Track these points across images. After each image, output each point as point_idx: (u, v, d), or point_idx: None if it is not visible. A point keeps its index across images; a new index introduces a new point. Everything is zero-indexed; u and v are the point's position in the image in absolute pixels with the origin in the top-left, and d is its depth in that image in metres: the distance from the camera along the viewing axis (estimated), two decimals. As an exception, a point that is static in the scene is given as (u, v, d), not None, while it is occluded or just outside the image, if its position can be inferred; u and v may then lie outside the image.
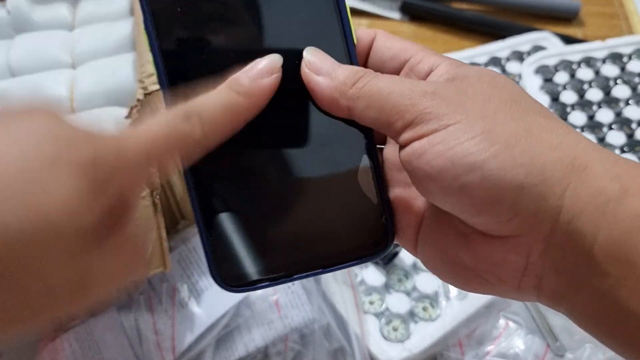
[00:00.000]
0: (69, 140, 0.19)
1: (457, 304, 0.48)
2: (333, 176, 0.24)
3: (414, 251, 0.25)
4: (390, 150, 0.26)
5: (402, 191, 0.25)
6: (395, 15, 0.75)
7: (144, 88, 0.39)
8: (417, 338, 0.47)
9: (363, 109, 0.22)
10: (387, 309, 0.49)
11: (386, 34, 0.25)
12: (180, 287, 0.46)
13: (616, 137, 0.58)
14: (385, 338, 0.47)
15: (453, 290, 0.49)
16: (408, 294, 0.49)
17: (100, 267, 0.20)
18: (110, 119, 0.41)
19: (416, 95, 0.21)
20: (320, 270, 0.24)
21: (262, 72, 0.23)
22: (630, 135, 0.58)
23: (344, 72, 0.23)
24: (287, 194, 0.24)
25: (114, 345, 0.44)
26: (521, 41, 0.68)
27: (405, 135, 0.21)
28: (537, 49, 0.67)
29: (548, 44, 0.67)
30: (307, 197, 0.24)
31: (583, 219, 0.20)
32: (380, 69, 0.24)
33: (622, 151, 0.57)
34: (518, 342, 0.46)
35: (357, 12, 0.75)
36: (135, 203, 0.22)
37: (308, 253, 0.24)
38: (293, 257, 0.24)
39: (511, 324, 0.47)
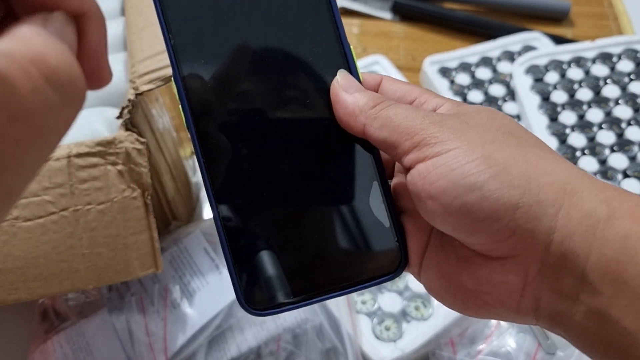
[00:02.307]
0: None
1: (449, 303, 0.48)
2: (347, 202, 0.26)
3: (418, 277, 0.27)
4: (396, 182, 0.28)
5: (407, 220, 0.27)
6: (387, 15, 0.75)
7: (135, 88, 0.39)
8: (410, 337, 0.47)
9: (377, 128, 0.24)
10: (379, 308, 0.49)
11: (392, 79, 0.28)
12: (172, 288, 0.46)
13: (606, 137, 0.59)
14: (378, 337, 0.47)
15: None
16: (400, 293, 0.49)
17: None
18: (101, 119, 0.41)
19: (426, 122, 0.24)
20: (339, 292, 0.26)
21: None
22: (620, 135, 0.59)
23: (368, 95, 0.25)
24: (305, 221, 0.26)
25: (106, 346, 0.44)
26: (512, 41, 0.68)
27: (411, 156, 0.23)
28: (528, 49, 0.67)
29: (538, 44, 0.68)
30: (323, 223, 0.26)
31: (575, 240, 0.21)
32: None
33: (612, 150, 0.58)
34: (509, 340, 0.46)
35: (348, 12, 0.75)
36: None
37: (327, 276, 0.26)
38: (314, 281, 0.26)
39: (503, 322, 0.47)
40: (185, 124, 0.25)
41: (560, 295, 0.22)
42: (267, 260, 0.26)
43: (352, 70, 0.27)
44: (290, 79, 0.26)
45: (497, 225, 0.22)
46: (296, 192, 0.26)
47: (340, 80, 0.26)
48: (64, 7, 0.17)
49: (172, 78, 0.25)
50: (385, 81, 0.28)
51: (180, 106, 0.25)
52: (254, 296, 0.25)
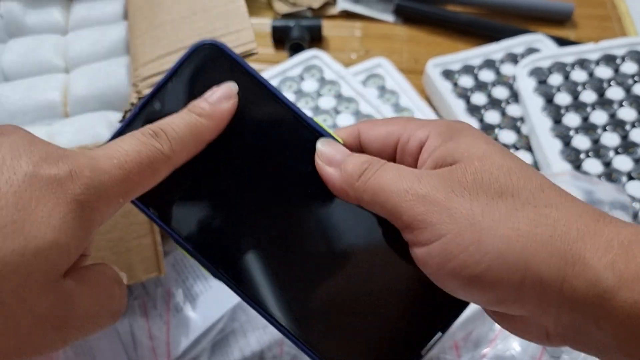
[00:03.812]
0: (45, 154, 0.20)
1: (453, 307, 0.48)
2: (391, 269, 0.27)
3: None
4: None
5: None
6: (389, 17, 0.75)
7: (138, 92, 0.39)
8: (413, 341, 0.47)
9: (368, 202, 0.24)
10: (383, 312, 0.49)
11: (367, 125, 0.27)
12: (175, 292, 0.46)
13: (610, 139, 0.58)
14: (382, 341, 0.47)
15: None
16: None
17: (81, 298, 0.21)
18: (103, 123, 0.41)
19: (411, 198, 0.23)
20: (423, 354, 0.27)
21: (220, 97, 0.25)
22: (624, 137, 0.59)
23: (351, 164, 0.25)
24: (376, 295, 0.27)
25: (109, 350, 0.44)
26: (515, 43, 0.68)
27: (406, 236, 0.23)
28: (531, 51, 0.67)
29: (542, 46, 0.68)
30: (386, 291, 0.27)
31: (583, 309, 0.21)
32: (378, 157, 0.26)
33: (617, 153, 0.58)
34: (514, 344, 0.46)
35: (350, 15, 0.75)
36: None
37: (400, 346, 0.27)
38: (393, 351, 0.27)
39: (507, 326, 0.47)
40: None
41: (584, 345, 0.22)
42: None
43: (326, 136, 0.27)
44: (273, 167, 0.27)
45: (505, 304, 0.22)
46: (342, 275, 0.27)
47: (322, 150, 0.26)
48: None
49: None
50: (363, 130, 0.27)
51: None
52: None
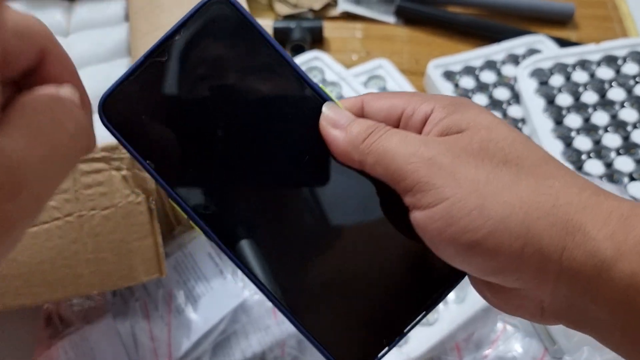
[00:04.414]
0: None
1: (455, 308, 0.48)
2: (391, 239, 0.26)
3: None
4: None
5: None
6: (390, 19, 0.75)
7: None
8: (415, 342, 0.47)
9: (372, 165, 0.24)
10: (384, 313, 0.49)
11: (373, 96, 0.26)
12: (177, 293, 0.46)
13: (612, 140, 0.58)
14: (383, 342, 0.47)
15: (450, 294, 0.49)
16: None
17: (8, 143, 0.18)
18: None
19: (416, 160, 0.23)
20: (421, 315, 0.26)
21: None
22: (625, 138, 0.58)
23: (357, 127, 0.25)
24: (370, 268, 0.26)
25: (110, 352, 0.44)
26: (516, 44, 0.68)
27: (407, 199, 0.23)
28: (532, 52, 0.67)
29: (543, 47, 0.68)
30: (380, 263, 0.26)
31: (581, 280, 0.21)
32: None
33: (618, 153, 0.58)
34: (516, 345, 0.46)
35: (351, 17, 0.75)
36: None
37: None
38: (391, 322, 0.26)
39: (509, 327, 0.47)
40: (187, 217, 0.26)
41: (578, 322, 0.22)
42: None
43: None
44: (275, 130, 0.26)
45: (503, 274, 0.22)
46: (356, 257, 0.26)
47: (327, 114, 0.26)
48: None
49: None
50: (367, 101, 0.26)
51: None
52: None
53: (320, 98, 0.26)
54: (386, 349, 0.26)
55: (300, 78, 0.26)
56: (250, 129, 0.26)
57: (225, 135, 0.26)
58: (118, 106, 0.25)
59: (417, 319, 0.26)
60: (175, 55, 0.25)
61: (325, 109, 0.26)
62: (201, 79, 0.26)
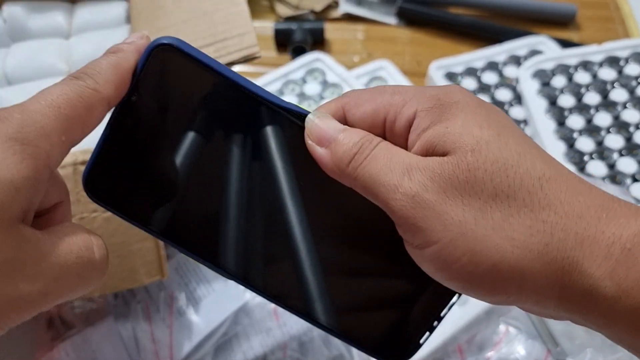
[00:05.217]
0: None
1: (457, 310, 0.48)
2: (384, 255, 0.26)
3: None
4: None
5: None
6: (392, 20, 0.75)
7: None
8: (417, 344, 0.47)
9: (361, 190, 0.23)
10: (386, 315, 0.48)
11: (351, 101, 0.25)
12: (178, 295, 0.46)
13: (614, 141, 0.58)
14: (385, 345, 0.47)
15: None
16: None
17: (49, 246, 0.21)
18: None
19: (400, 197, 0.22)
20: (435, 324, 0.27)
21: (135, 36, 0.25)
22: (628, 139, 0.58)
23: (342, 146, 0.23)
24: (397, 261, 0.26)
25: (112, 354, 0.44)
26: (518, 45, 0.68)
27: (400, 233, 0.23)
28: (534, 53, 0.67)
29: (545, 48, 0.68)
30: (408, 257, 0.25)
31: (582, 314, 0.21)
32: None
33: (621, 155, 0.57)
34: (518, 347, 0.45)
35: (353, 18, 0.75)
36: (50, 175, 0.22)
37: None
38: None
39: (511, 329, 0.47)
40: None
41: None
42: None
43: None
44: (262, 163, 0.25)
45: (503, 304, 0.22)
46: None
47: (310, 127, 0.24)
48: None
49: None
50: (348, 109, 0.25)
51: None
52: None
53: (297, 116, 0.25)
54: (427, 333, 0.26)
55: (269, 102, 0.25)
56: (230, 167, 0.25)
57: (210, 177, 0.25)
58: (99, 181, 0.25)
59: (453, 300, 0.26)
60: (138, 115, 0.25)
61: (309, 122, 0.24)
62: (171, 130, 0.25)
